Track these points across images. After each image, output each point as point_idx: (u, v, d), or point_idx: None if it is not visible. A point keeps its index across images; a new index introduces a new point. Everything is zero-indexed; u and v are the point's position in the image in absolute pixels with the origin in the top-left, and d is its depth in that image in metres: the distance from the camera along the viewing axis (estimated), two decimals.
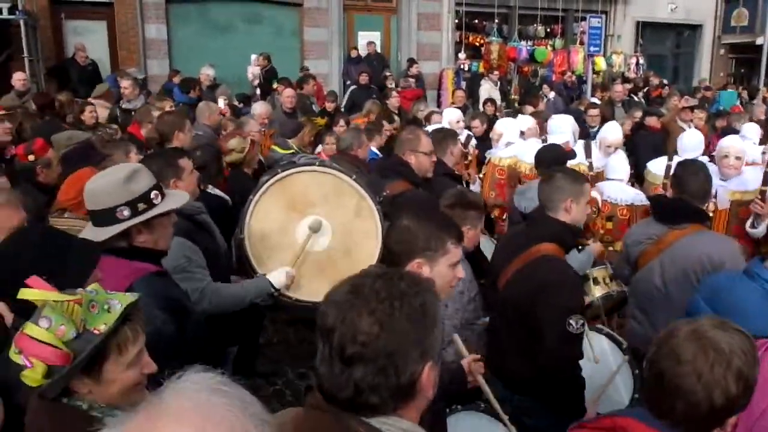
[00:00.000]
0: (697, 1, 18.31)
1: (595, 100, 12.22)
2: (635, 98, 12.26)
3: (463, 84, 14.45)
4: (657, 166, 5.55)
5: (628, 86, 13.51)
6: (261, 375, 4.94)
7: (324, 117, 9.47)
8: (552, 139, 5.84)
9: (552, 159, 4.70)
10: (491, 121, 7.99)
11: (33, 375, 1.63)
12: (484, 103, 11.31)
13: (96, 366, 1.69)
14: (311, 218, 3.30)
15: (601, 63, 15.49)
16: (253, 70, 12.61)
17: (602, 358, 3.55)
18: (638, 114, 9.15)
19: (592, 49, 13.69)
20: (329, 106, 9.86)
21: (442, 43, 15.91)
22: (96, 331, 1.67)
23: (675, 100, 9.99)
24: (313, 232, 3.29)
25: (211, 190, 4.36)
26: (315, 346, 1.43)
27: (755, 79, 17.95)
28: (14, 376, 1.65)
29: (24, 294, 1.66)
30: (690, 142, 5.70)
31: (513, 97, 14.12)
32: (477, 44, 16.32)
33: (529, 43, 16.39)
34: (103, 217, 2.42)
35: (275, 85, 11.51)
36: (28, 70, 10.69)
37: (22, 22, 11.10)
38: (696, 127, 8.51)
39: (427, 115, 8.30)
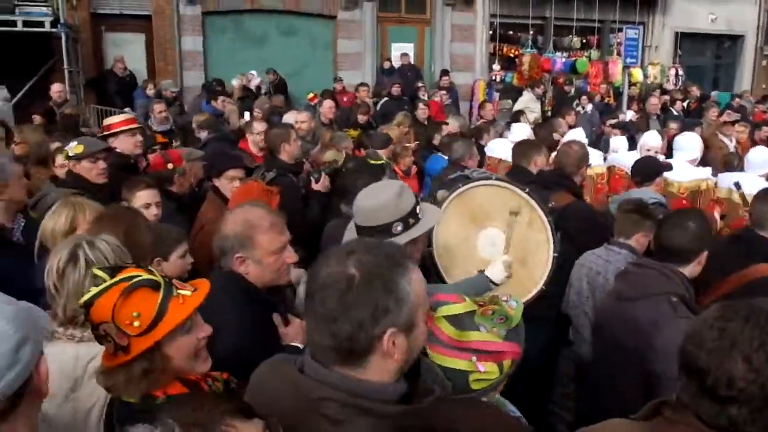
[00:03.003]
0: (739, 11, 17.89)
1: (630, 112, 12.00)
2: (673, 111, 11.98)
3: (496, 96, 14.31)
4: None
5: (666, 98, 13.22)
6: None
7: (357, 129, 9.48)
8: (680, 156, 5.73)
9: (651, 171, 4.72)
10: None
11: (485, 376, 1.76)
12: (517, 114, 11.17)
13: None
14: (492, 229, 3.39)
15: (637, 74, 15.22)
16: (255, 81, 12.60)
17: None
18: (674, 126, 8.88)
19: (628, 60, 13.39)
20: (361, 118, 9.85)
21: (475, 55, 15.85)
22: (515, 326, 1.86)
23: (713, 112, 9.68)
24: (514, 215, 3.33)
25: None
26: None
27: None
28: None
29: (452, 309, 1.84)
30: (756, 159, 5.57)
31: (547, 108, 13.94)
32: (511, 55, 16.22)
33: (565, 54, 16.20)
34: (381, 233, 2.61)
35: (310, 96, 11.60)
36: (68, 82, 10.95)
37: (63, 35, 11.37)
38: (738, 141, 8.28)
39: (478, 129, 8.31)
